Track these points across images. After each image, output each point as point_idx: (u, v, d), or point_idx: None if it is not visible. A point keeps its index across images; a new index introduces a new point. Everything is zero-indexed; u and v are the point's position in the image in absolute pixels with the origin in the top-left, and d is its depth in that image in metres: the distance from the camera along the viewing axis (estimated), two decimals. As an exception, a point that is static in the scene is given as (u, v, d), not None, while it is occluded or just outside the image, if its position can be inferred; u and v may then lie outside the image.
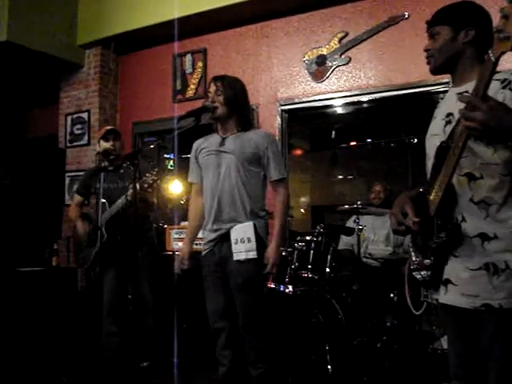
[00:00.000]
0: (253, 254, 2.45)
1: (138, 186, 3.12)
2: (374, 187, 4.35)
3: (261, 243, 2.51)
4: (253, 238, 2.45)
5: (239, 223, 2.50)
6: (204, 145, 2.70)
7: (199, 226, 2.76)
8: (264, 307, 2.61)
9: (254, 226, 2.48)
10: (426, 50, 1.74)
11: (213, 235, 2.56)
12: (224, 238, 2.53)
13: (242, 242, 2.46)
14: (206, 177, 2.65)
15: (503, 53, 1.30)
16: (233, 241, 2.48)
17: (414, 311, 1.77)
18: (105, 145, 3.58)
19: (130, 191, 3.19)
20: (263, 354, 2.52)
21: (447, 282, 1.58)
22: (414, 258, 1.70)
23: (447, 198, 1.55)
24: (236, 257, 2.46)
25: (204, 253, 2.62)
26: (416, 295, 1.72)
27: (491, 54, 1.31)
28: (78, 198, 3.75)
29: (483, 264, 1.52)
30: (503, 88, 1.52)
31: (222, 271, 2.54)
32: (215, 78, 2.66)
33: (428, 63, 1.75)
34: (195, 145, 2.78)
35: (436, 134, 1.71)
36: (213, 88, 2.62)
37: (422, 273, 1.63)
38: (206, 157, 2.66)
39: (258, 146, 2.58)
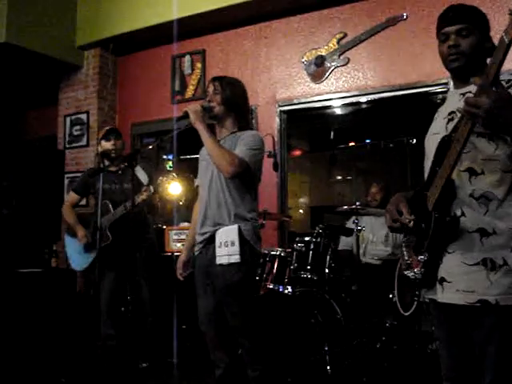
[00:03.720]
0: (235, 258, 2.40)
1: (151, 190, 3.15)
2: (370, 189, 4.35)
3: (247, 247, 2.46)
4: (236, 242, 2.41)
5: (224, 226, 2.47)
6: (203, 149, 2.70)
7: None
8: (252, 310, 2.57)
9: (239, 229, 2.44)
10: (454, 46, 1.65)
11: (201, 238, 2.56)
12: (210, 241, 2.51)
13: (226, 246, 2.42)
14: (200, 181, 2.66)
15: None
16: (217, 244, 2.45)
17: (402, 312, 1.76)
18: (106, 144, 3.57)
19: (129, 203, 3.18)
20: (257, 356, 2.50)
21: (443, 280, 1.58)
22: (406, 257, 1.70)
23: (446, 191, 1.55)
24: (218, 260, 2.43)
25: (195, 255, 2.62)
26: (411, 296, 1.72)
27: (505, 36, 1.30)
28: (73, 196, 3.71)
29: (481, 259, 1.52)
30: (508, 88, 1.52)
31: (209, 273, 2.52)
32: (214, 78, 2.66)
33: (454, 60, 1.66)
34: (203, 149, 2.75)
35: (437, 132, 1.70)
36: (211, 88, 2.62)
37: (415, 270, 1.63)
38: (201, 161, 2.67)
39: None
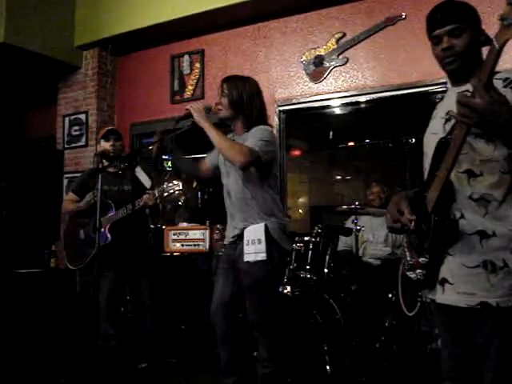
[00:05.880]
0: (262, 256, 2.45)
1: (155, 194, 3.15)
2: (373, 189, 4.34)
3: (273, 244, 2.50)
4: (263, 240, 2.46)
5: (251, 224, 2.52)
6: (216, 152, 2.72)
7: None
8: (275, 308, 2.62)
9: (266, 227, 2.49)
10: (448, 48, 1.61)
11: (232, 233, 2.62)
12: (239, 238, 2.57)
13: (253, 244, 2.47)
14: (222, 177, 2.70)
15: (507, 40, 1.26)
16: (245, 242, 2.51)
17: (406, 312, 1.76)
18: (105, 144, 3.54)
19: (130, 206, 3.17)
20: (272, 353, 2.53)
21: (444, 281, 1.57)
22: (408, 258, 1.70)
23: (445, 194, 1.55)
24: (246, 258, 2.49)
25: (225, 247, 2.72)
26: (413, 296, 1.71)
27: (495, 42, 1.29)
28: (72, 197, 3.70)
29: (481, 261, 1.52)
30: (505, 87, 1.51)
31: (234, 268, 2.59)
32: (224, 80, 2.66)
33: (451, 62, 1.62)
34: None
35: (435, 132, 1.70)
36: (220, 90, 2.64)
37: (417, 271, 1.63)
38: (221, 157, 2.68)
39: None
